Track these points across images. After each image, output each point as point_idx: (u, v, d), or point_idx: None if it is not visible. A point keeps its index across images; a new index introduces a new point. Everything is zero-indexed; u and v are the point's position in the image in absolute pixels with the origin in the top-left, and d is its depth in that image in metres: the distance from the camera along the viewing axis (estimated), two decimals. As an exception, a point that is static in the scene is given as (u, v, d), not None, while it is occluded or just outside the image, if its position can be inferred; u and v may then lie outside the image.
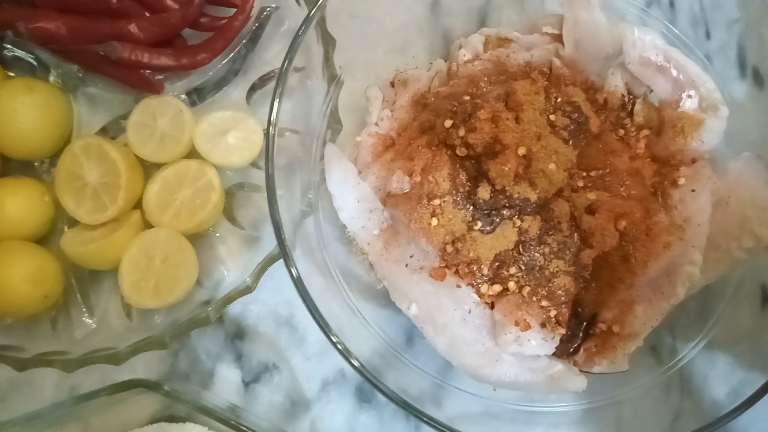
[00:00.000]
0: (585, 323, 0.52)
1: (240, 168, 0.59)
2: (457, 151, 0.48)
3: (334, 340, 0.44)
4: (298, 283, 0.44)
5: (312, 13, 0.49)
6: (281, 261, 0.53)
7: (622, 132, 0.54)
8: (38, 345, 0.53)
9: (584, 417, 0.53)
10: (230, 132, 0.56)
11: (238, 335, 0.58)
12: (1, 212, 0.52)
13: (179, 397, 0.47)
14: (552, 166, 0.46)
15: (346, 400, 0.57)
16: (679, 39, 0.57)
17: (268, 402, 0.57)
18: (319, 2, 0.49)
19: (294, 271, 0.44)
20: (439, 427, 0.44)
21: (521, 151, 0.46)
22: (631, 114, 0.55)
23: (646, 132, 0.54)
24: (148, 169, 0.57)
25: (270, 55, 0.62)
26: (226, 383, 0.57)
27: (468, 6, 0.64)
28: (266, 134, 0.47)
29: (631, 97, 0.55)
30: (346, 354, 0.44)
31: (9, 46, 0.58)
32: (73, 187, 0.54)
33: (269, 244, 0.56)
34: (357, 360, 0.45)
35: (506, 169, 0.45)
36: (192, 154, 0.57)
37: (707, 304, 0.55)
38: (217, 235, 0.57)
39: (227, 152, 0.56)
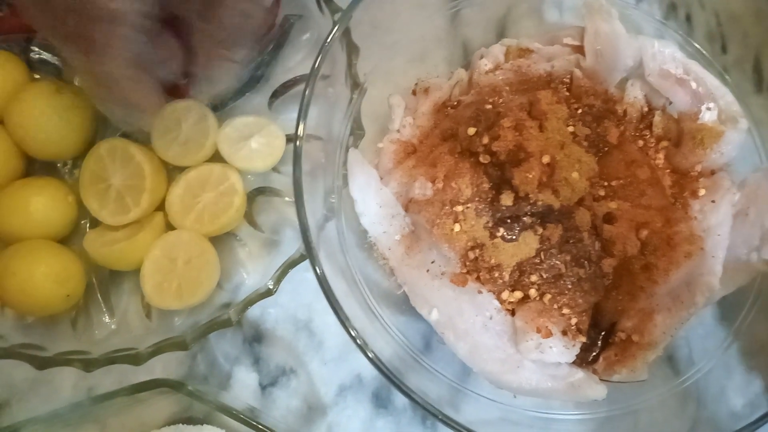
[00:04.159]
0: (603, 332, 0.53)
1: (261, 173, 0.59)
2: (480, 159, 0.49)
3: (353, 334, 0.44)
4: (323, 282, 0.45)
5: (340, 23, 0.50)
6: (301, 265, 0.54)
7: (641, 143, 0.54)
8: (58, 345, 0.53)
9: (600, 426, 0.53)
10: (253, 137, 0.57)
11: (256, 338, 0.58)
12: (26, 212, 0.53)
13: (202, 397, 0.47)
14: (575, 174, 0.47)
15: (363, 405, 0.57)
16: (697, 52, 0.58)
17: (285, 406, 0.57)
18: (347, 13, 0.50)
19: (319, 271, 0.45)
20: (461, 429, 0.44)
21: (545, 159, 0.46)
22: (650, 125, 0.55)
23: (664, 143, 0.55)
24: (171, 172, 0.58)
25: (292, 62, 0.62)
26: (243, 386, 0.57)
27: (487, 17, 0.65)
28: (294, 141, 0.47)
29: (650, 108, 0.56)
30: (364, 348, 0.44)
31: (36, 49, 0.59)
32: (97, 188, 0.54)
33: (289, 248, 0.57)
34: (377, 357, 0.45)
35: (530, 176, 0.46)
36: (214, 158, 0.58)
37: (724, 315, 0.55)
38: (238, 238, 0.58)
39: (250, 157, 0.57)
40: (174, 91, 0.58)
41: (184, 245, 0.53)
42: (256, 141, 0.57)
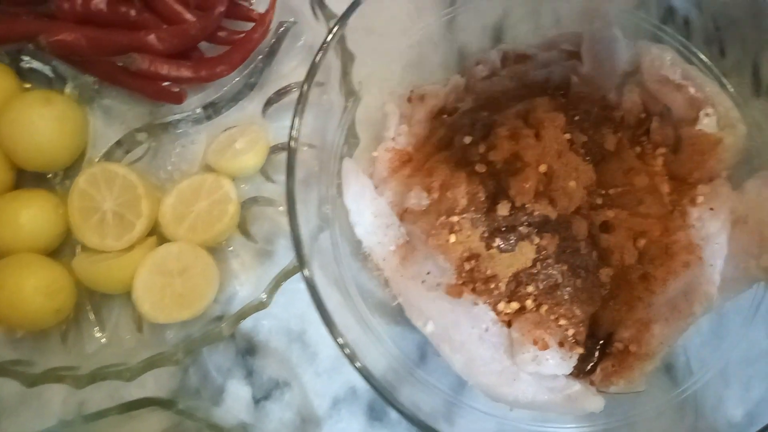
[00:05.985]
0: (600, 343, 0.52)
1: (254, 181, 0.59)
2: (476, 168, 0.48)
3: (340, 342, 0.43)
4: (312, 291, 0.43)
5: (336, 29, 0.49)
6: (295, 276, 0.53)
7: (638, 150, 0.54)
8: (48, 360, 0.52)
9: (598, 438, 0.53)
10: (237, 141, 0.57)
11: (249, 351, 0.57)
12: (16, 224, 0.52)
13: (193, 414, 0.46)
14: (572, 183, 0.46)
15: (357, 418, 0.56)
16: (695, 56, 0.57)
17: (279, 419, 0.56)
18: (342, 19, 0.49)
19: (308, 276, 0.44)
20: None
21: (542, 168, 0.46)
22: (647, 132, 0.55)
23: (662, 150, 0.54)
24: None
25: (286, 69, 0.62)
26: (236, 400, 0.56)
27: (483, 23, 0.64)
28: (287, 150, 0.46)
29: (647, 114, 0.55)
30: (352, 359, 0.43)
31: (26, 58, 0.58)
32: (92, 221, 0.53)
33: (283, 258, 0.56)
34: (365, 368, 0.43)
35: (527, 186, 0.45)
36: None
37: (722, 324, 0.54)
38: (231, 249, 0.57)
39: (237, 157, 0.56)
40: (168, 97, 0.58)
41: (175, 256, 0.52)
42: (239, 142, 0.57)
